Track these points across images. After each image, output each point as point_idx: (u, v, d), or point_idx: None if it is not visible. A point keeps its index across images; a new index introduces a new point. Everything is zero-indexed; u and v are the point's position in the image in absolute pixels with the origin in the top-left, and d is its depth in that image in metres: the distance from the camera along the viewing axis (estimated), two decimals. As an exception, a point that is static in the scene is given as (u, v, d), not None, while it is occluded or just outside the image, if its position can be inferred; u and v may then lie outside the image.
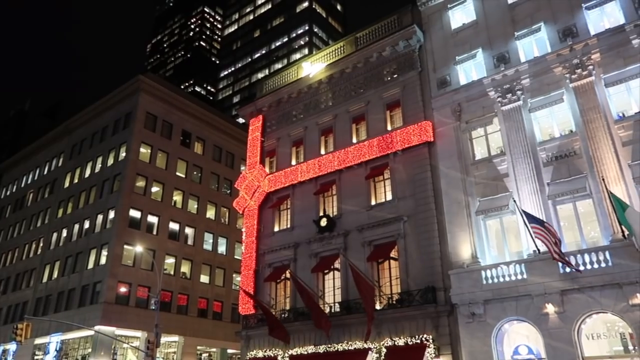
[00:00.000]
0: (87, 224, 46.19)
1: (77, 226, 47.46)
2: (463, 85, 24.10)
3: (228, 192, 52.35)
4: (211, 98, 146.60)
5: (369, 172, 25.93)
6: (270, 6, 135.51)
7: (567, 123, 21.02)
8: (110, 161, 47.50)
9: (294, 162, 30.39)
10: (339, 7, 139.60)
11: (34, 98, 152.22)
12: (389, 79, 27.41)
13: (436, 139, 24.17)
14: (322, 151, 29.18)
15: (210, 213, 50.76)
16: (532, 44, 22.95)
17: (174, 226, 46.58)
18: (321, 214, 27.28)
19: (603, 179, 18.19)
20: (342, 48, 30.41)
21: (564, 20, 22.01)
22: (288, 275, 26.58)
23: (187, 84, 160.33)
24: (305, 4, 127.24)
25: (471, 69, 24.60)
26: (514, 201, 19.82)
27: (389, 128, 26.49)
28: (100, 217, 44.94)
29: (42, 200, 55.23)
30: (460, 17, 26.07)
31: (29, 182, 60.17)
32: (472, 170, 22.51)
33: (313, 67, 31.07)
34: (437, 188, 23.32)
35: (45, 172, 57.61)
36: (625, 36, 19.95)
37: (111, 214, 43.86)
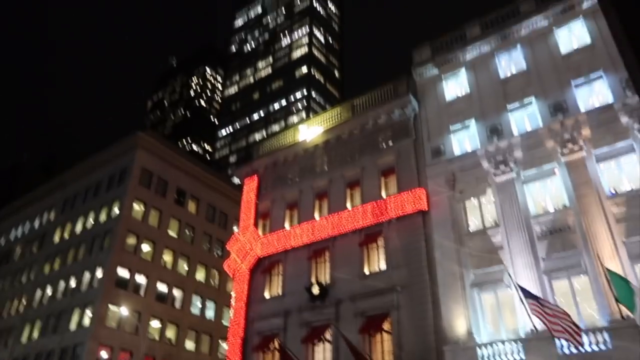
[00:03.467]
0: (72, 282, 44.83)
1: (62, 283, 46.07)
2: (457, 156, 24.32)
3: (220, 253, 51.43)
4: (208, 157, 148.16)
5: (363, 239, 25.58)
6: (270, 71, 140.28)
7: (561, 197, 20.96)
8: (103, 217, 46.87)
9: (287, 226, 30.01)
10: (336, 74, 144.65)
11: (33, 151, 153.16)
12: (384, 145, 27.73)
13: (430, 207, 24.04)
14: (317, 215, 28.93)
15: (200, 275, 49.52)
16: (524, 117, 23.43)
17: (162, 287, 45.26)
18: (313, 280, 26.62)
19: (598, 256, 17.89)
20: (338, 114, 30.99)
21: (554, 95, 22.58)
22: (277, 345, 25.50)
23: (185, 142, 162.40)
24: (304, 70, 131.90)
25: (465, 139, 24.92)
26: (509, 275, 19.36)
27: (383, 194, 26.45)
28: (87, 275, 43.73)
29: (30, 255, 53.97)
30: (454, 88, 26.76)
31: (18, 236, 59.08)
32: (466, 240, 22.21)
33: (310, 131, 31.49)
34: (431, 258, 22.89)
35: (36, 227, 56.68)
36: (613, 114, 20.32)
37: (98, 272, 42.72)
